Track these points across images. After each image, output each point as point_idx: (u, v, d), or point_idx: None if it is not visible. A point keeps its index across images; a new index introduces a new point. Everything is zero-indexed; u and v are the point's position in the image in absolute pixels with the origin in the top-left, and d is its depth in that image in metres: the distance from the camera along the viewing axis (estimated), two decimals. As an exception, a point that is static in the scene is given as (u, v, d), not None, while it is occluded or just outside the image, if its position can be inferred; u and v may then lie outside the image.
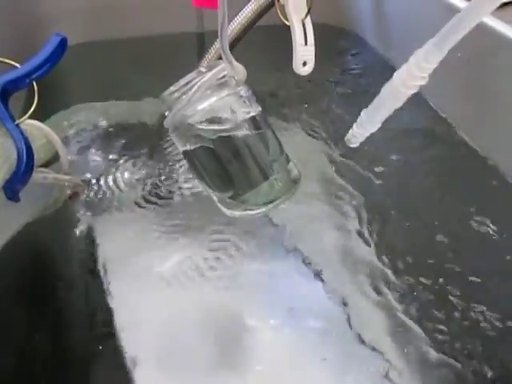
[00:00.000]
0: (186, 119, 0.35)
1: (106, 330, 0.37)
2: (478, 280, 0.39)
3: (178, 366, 0.35)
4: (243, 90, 0.36)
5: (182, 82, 0.35)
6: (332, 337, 0.36)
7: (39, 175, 0.34)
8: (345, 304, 0.38)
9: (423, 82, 0.27)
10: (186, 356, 0.36)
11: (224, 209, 0.38)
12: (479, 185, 0.49)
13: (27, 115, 0.32)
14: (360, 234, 0.44)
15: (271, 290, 0.40)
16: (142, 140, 0.54)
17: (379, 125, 0.31)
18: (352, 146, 0.33)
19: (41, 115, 0.34)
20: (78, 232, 0.44)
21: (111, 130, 0.55)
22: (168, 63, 0.66)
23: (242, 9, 0.49)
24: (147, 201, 0.47)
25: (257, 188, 0.36)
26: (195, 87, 0.34)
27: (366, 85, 0.64)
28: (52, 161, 0.37)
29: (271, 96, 0.62)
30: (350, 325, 0.37)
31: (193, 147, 0.36)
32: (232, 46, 0.47)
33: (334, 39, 0.74)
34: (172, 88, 0.36)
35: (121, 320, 0.37)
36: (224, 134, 0.35)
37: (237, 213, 0.37)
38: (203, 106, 0.34)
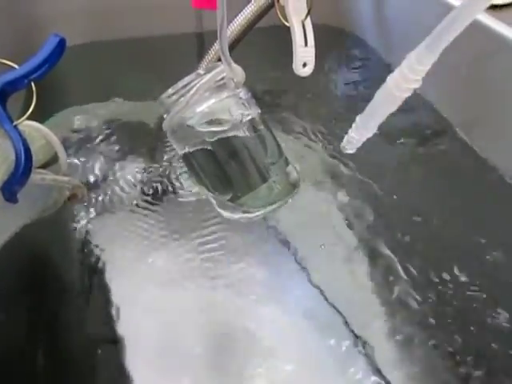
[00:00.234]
0: (184, 121, 0.35)
1: (105, 331, 0.37)
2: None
3: (177, 367, 0.35)
4: (242, 92, 0.36)
5: (180, 84, 0.35)
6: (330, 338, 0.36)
7: (38, 176, 0.34)
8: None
9: (417, 85, 0.26)
10: (186, 356, 0.36)
11: (222, 211, 0.38)
12: (478, 184, 0.49)
13: (25, 116, 0.32)
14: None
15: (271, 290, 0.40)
16: (142, 141, 0.54)
17: (375, 130, 0.30)
18: (348, 152, 0.33)
19: (39, 116, 0.34)
20: (76, 234, 0.44)
21: (110, 131, 0.55)
22: (167, 64, 0.66)
23: (241, 10, 0.49)
24: (147, 202, 0.47)
25: (255, 190, 0.36)
26: (194, 89, 0.34)
27: (366, 86, 0.64)
28: (51, 162, 0.37)
29: (271, 97, 0.62)
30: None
31: (191, 149, 0.36)
32: (232, 47, 0.47)
33: (334, 40, 0.74)
34: (170, 90, 0.36)
35: (120, 320, 0.37)
36: (223, 136, 0.35)
37: (235, 215, 0.37)
38: (202, 108, 0.34)
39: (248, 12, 0.48)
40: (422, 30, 0.25)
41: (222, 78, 0.35)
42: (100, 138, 0.54)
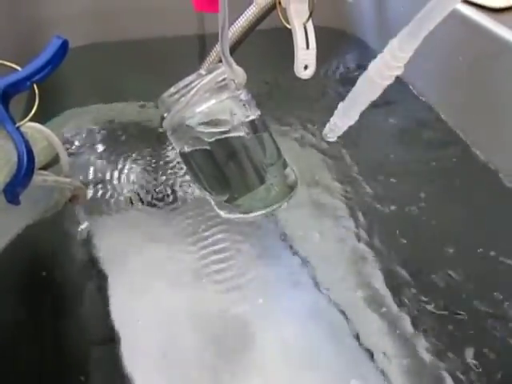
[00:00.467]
0: (184, 121, 0.35)
1: (106, 332, 0.37)
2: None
3: (177, 367, 0.35)
4: (243, 94, 0.36)
5: (181, 84, 0.36)
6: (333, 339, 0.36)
7: (39, 178, 0.34)
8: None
9: (399, 72, 0.26)
10: (186, 357, 0.36)
11: (220, 211, 0.38)
12: (479, 188, 0.49)
13: (28, 118, 0.32)
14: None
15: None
16: (143, 142, 0.54)
17: (356, 117, 0.30)
18: (330, 139, 0.32)
19: (41, 118, 0.34)
20: (78, 234, 0.44)
21: (112, 132, 0.55)
22: (169, 66, 0.66)
23: (243, 12, 0.49)
24: (147, 203, 0.47)
25: (253, 191, 0.36)
26: (194, 89, 0.34)
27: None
28: (52, 163, 0.37)
29: (271, 99, 0.62)
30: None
31: (190, 149, 0.36)
32: (233, 49, 0.47)
33: (335, 42, 0.74)
34: (171, 90, 0.36)
35: (120, 321, 0.37)
36: (222, 137, 0.35)
37: (233, 216, 0.37)
38: (202, 108, 0.34)
39: (249, 14, 0.48)
40: (422, 32, 0.25)
41: (223, 79, 0.35)
42: (101, 139, 0.54)
